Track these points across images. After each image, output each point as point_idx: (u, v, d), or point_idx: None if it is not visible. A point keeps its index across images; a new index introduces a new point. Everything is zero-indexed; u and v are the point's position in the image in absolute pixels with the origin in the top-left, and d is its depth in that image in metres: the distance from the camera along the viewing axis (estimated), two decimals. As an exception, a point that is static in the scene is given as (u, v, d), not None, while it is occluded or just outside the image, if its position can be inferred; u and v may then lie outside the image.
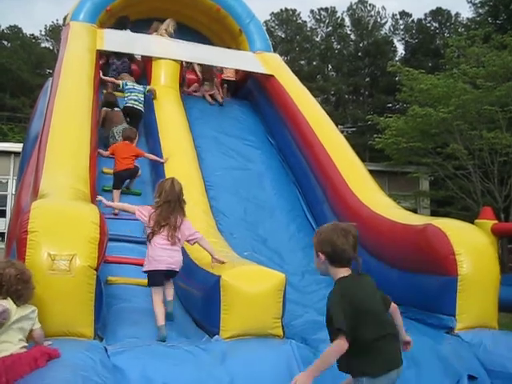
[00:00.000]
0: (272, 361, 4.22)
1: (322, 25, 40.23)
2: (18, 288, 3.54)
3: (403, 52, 37.36)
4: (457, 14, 35.87)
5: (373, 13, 39.18)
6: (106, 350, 4.01)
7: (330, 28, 39.59)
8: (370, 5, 39.21)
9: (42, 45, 38.44)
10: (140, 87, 8.88)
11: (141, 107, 8.71)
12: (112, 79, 9.32)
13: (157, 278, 4.77)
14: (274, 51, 11.74)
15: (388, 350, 3.08)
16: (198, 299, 5.09)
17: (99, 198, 5.41)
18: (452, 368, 4.59)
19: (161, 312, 4.68)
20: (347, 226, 3.16)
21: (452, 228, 5.42)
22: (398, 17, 38.76)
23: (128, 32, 10.27)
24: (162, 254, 4.72)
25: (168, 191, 4.81)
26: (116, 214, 6.76)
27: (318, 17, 40.19)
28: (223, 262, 4.85)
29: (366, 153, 24.16)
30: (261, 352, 4.24)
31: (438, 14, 36.32)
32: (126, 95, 8.71)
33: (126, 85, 8.79)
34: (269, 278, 4.69)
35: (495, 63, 15.10)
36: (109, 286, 5.52)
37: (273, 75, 9.89)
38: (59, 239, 4.20)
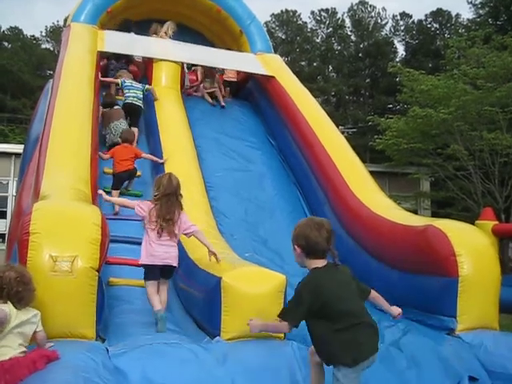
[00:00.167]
0: (273, 362, 4.23)
1: (322, 26, 40.24)
2: (19, 290, 3.54)
3: (404, 53, 37.39)
4: (457, 15, 35.90)
5: (373, 14, 39.22)
6: (108, 352, 4.02)
7: (331, 29, 39.59)
8: (370, 6, 39.27)
9: (43, 46, 38.47)
10: (138, 85, 8.93)
11: (140, 103, 8.74)
12: (111, 79, 9.35)
13: (153, 272, 4.85)
14: (275, 52, 11.76)
15: (358, 339, 3.17)
16: (199, 300, 5.10)
17: (100, 191, 5.42)
18: (453, 369, 4.59)
19: (156, 299, 4.78)
20: (321, 220, 3.38)
21: (452, 229, 5.43)
22: (399, 18, 38.78)
23: (129, 34, 10.28)
24: (158, 250, 4.79)
25: (166, 185, 4.87)
26: (116, 213, 6.80)
27: (319, 18, 40.21)
28: (217, 257, 4.93)
29: (366, 154, 24.15)
30: (262, 353, 4.24)
31: (439, 14, 36.31)
32: (125, 92, 8.74)
33: (125, 82, 8.83)
34: (269, 280, 4.69)
35: (495, 64, 15.09)
36: (110, 287, 5.53)
37: (273, 76, 9.90)
38: (61, 240, 4.20)
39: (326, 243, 3.29)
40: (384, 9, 44.04)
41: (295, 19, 40.12)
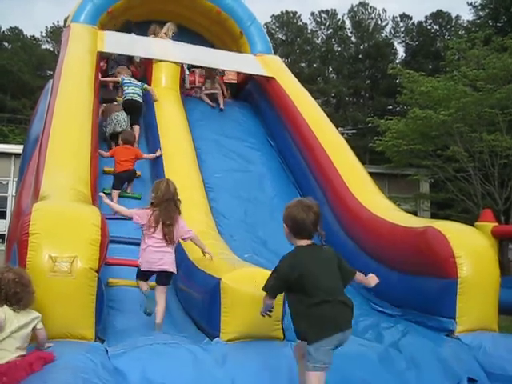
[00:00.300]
0: (272, 363, 4.23)
1: (322, 27, 40.22)
2: (17, 291, 3.54)
3: (404, 54, 37.38)
4: (457, 17, 35.87)
5: (373, 15, 39.19)
6: (107, 352, 4.02)
7: (331, 30, 39.56)
8: (370, 7, 39.24)
9: (43, 46, 38.45)
10: (137, 82, 8.96)
11: (140, 99, 8.77)
12: (111, 78, 9.36)
13: (145, 275, 4.99)
14: (275, 53, 11.76)
15: (327, 315, 3.31)
16: (199, 301, 5.10)
17: (101, 194, 5.43)
18: (452, 370, 4.59)
19: (145, 285, 5.01)
20: (310, 203, 3.53)
21: (452, 230, 5.43)
22: (399, 19, 38.76)
23: (129, 34, 10.29)
24: (154, 257, 4.85)
25: (164, 191, 4.92)
26: (115, 213, 6.80)
27: (319, 19, 40.19)
28: (211, 256, 5.08)
29: (366, 155, 24.16)
30: (261, 354, 4.24)
31: (439, 16, 36.31)
32: (124, 89, 8.75)
33: (124, 79, 8.85)
34: (269, 281, 4.69)
35: (495, 66, 15.09)
36: (109, 288, 5.53)
37: (273, 77, 9.91)
38: (60, 241, 4.21)
39: (312, 225, 3.48)
40: (384, 10, 44.02)
41: (295, 20, 40.11)
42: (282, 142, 9.32)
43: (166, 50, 9.94)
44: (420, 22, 37.13)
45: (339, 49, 38.73)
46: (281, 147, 9.34)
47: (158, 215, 4.84)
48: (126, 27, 10.69)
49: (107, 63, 10.14)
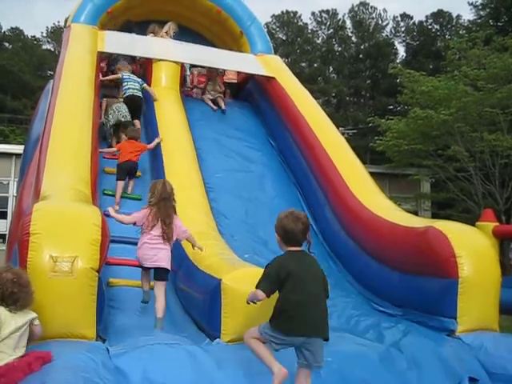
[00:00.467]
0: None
1: (323, 27, 40.17)
2: (14, 291, 3.53)
3: (404, 54, 37.31)
4: (458, 16, 35.81)
5: (374, 15, 39.12)
6: (108, 352, 4.02)
7: (331, 30, 39.51)
8: (371, 7, 39.18)
9: (44, 46, 38.42)
10: (137, 78, 9.00)
11: (140, 94, 8.83)
12: (111, 76, 9.36)
13: (144, 269, 5.17)
14: (275, 53, 11.75)
15: (301, 319, 3.58)
16: (199, 302, 5.10)
17: (109, 209, 5.39)
18: (453, 370, 4.59)
19: (146, 281, 5.16)
20: (298, 213, 3.88)
21: (453, 230, 5.43)
22: (399, 19, 38.70)
23: (129, 34, 10.29)
24: (149, 253, 4.97)
25: (161, 190, 5.06)
26: (117, 211, 6.83)
27: (319, 19, 40.14)
28: (202, 249, 5.28)
29: (366, 155, 24.12)
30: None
31: (439, 16, 36.27)
32: (124, 84, 8.78)
33: (123, 75, 8.90)
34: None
35: (496, 65, 15.08)
36: (110, 287, 5.53)
37: (274, 77, 9.91)
38: (61, 241, 4.21)
39: (301, 234, 3.80)
40: (385, 10, 43.96)
41: (296, 20, 40.06)
42: (282, 141, 9.32)
43: (166, 50, 9.94)
44: (421, 22, 37.08)
45: (340, 49, 38.69)
46: (281, 147, 9.34)
47: (155, 213, 4.97)
48: (127, 27, 10.70)
49: (108, 63, 10.13)
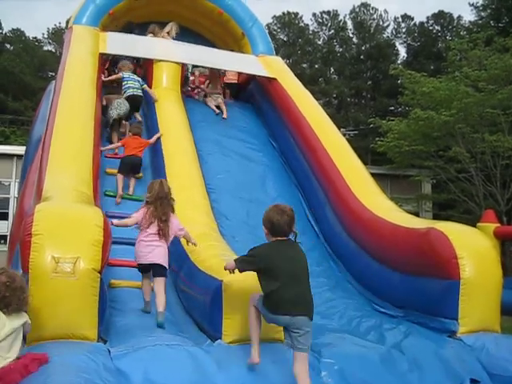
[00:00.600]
0: (274, 365, 4.24)
1: (324, 28, 40.14)
2: (6, 295, 3.52)
3: (405, 55, 37.27)
4: (459, 17, 35.75)
5: (375, 16, 39.07)
6: (110, 353, 4.02)
7: (333, 31, 39.48)
8: (372, 8, 39.15)
9: (45, 48, 38.38)
10: (136, 77, 9.03)
11: (140, 93, 8.90)
12: (113, 77, 9.37)
13: (142, 268, 5.21)
14: (276, 54, 11.76)
15: (283, 299, 3.83)
16: (200, 303, 5.10)
17: (113, 221, 5.36)
18: (454, 372, 4.59)
19: (146, 290, 5.22)
20: (284, 207, 4.10)
21: (454, 231, 5.43)
22: (400, 20, 38.66)
23: (131, 35, 10.29)
24: (144, 250, 5.06)
25: (158, 189, 5.16)
26: (118, 204, 7.27)
27: (321, 20, 40.11)
28: (195, 244, 5.39)
29: (368, 156, 24.08)
30: (263, 357, 4.23)
31: (440, 17, 36.23)
32: (124, 84, 8.81)
33: (123, 75, 8.94)
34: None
35: (497, 66, 15.08)
36: (111, 289, 5.53)
37: (275, 78, 9.91)
38: (63, 242, 4.22)
39: (287, 226, 4.01)
40: (386, 11, 43.79)
41: (297, 21, 40.03)
42: (284, 142, 9.32)
43: (168, 50, 9.94)
44: (422, 23, 37.06)
45: (341, 50, 38.67)
46: (283, 148, 9.35)
47: (153, 211, 5.07)
48: (128, 28, 10.71)
49: (110, 63, 10.13)
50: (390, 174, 18.99)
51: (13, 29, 36.29)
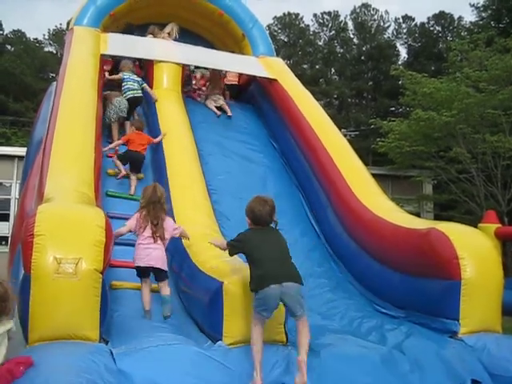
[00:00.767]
0: (275, 367, 4.25)
1: (325, 29, 40.15)
2: None
3: (406, 56, 37.27)
4: (460, 18, 35.74)
5: (376, 17, 39.08)
6: (111, 354, 4.03)
7: (333, 32, 39.48)
8: (373, 9, 39.16)
9: (46, 49, 38.41)
10: (136, 77, 9.05)
11: (140, 93, 8.94)
12: (113, 76, 9.38)
13: (140, 272, 5.29)
14: (277, 55, 11.77)
15: (267, 273, 4.13)
16: (201, 304, 5.10)
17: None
18: (455, 372, 4.59)
19: (146, 300, 5.24)
20: (265, 197, 4.49)
21: (455, 232, 5.43)
22: (401, 21, 38.67)
23: (132, 36, 10.30)
24: (142, 253, 5.18)
25: (150, 194, 5.30)
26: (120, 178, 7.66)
27: (321, 21, 40.11)
28: (188, 238, 5.60)
29: (369, 156, 24.08)
30: (264, 358, 4.24)
31: (441, 17, 36.23)
32: (123, 84, 8.84)
33: (124, 75, 8.97)
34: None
35: (498, 67, 15.09)
36: (113, 290, 5.53)
37: (276, 79, 9.91)
38: (65, 243, 4.22)
39: (268, 216, 4.36)
40: (387, 12, 43.78)
41: (298, 22, 40.03)
42: (284, 143, 9.32)
43: (169, 51, 9.94)
44: (422, 24, 37.06)
45: (341, 50, 38.68)
46: (283, 149, 9.35)
47: (145, 215, 5.21)
48: (128, 30, 10.71)
49: (113, 65, 10.13)
50: (390, 174, 19.00)
51: (14, 30, 36.36)
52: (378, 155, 20.24)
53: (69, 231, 4.29)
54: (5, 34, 35.89)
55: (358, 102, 38.17)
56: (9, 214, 16.88)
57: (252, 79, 10.68)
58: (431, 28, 36.83)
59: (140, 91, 8.90)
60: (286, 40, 39.56)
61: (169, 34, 10.70)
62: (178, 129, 8.48)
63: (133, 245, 5.74)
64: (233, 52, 11.03)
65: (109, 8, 10.27)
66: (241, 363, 4.24)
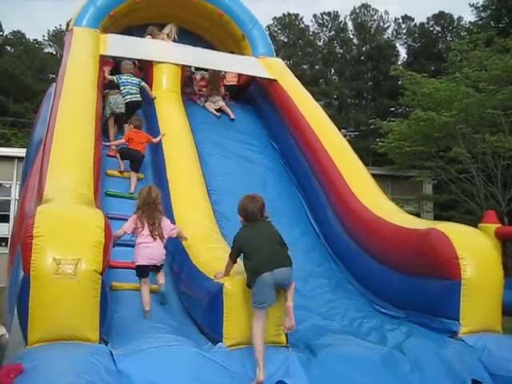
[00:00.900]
0: (275, 368, 4.24)
1: (324, 29, 40.15)
2: None
3: (406, 56, 37.27)
4: (459, 18, 35.73)
5: (375, 17, 39.09)
6: (111, 354, 4.02)
7: (333, 32, 39.49)
8: (372, 9, 39.18)
9: (45, 50, 38.41)
10: (134, 80, 9.01)
11: (139, 97, 8.91)
12: (109, 77, 9.35)
13: (141, 271, 5.40)
14: (277, 55, 11.76)
15: (261, 262, 4.36)
16: (201, 306, 5.10)
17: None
18: (456, 372, 4.59)
19: (146, 301, 5.30)
20: (255, 195, 4.71)
21: (455, 232, 5.43)
22: (401, 21, 38.68)
23: (131, 37, 10.30)
24: (142, 252, 5.35)
25: (145, 196, 5.48)
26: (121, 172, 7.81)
27: (321, 21, 40.12)
28: (186, 239, 5.77)
29: (368, 157, 24.08)
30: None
31: (441, 17, 36.24)
32: (121, 89, 8.81)
33: (120, 78, 8.92)
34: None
35: (498, 67, 15.08)
36: (113, 291, 5.53)
37: (276, 80, 9.92)
38: (64, 243, 4.22)
39: (259, 212, 4.61)
40: (386, 12, 43.79)
41: (297, 22, 40.03)
42: (284, 144, 9.32)
43: (168, 52, 9.94)
44: (422, 24, 37.06)
45: (341, 51, 38.69)
46: (283, 149, 9.35)
47: (142, 216, 5.39)
48: (127, 32, 10.70)
49: (114, 66, 10.12)
50: (390, 174, 18.97)
51: (13, 31, 36.35)
52: (377, 155, 20.23)
53: (68, 232, 4.29)
54: (4, 35, 35.91)
55: (358, 103, 38.19)
56: (9, 215, 16.85)
57: (252, 80, 10.68)
58: (431, 28, 36.83)
59: (139, 95, 8.88)
60: (285, 40, 39.57)
61: (168, 35, 10.70)
62: (177, 130, 8.48)
63: (132, 246, 5.75)
64: (232, 52, 11.03)
65: (108, 9, 10.26)
66: (241, 365, 4.24)
